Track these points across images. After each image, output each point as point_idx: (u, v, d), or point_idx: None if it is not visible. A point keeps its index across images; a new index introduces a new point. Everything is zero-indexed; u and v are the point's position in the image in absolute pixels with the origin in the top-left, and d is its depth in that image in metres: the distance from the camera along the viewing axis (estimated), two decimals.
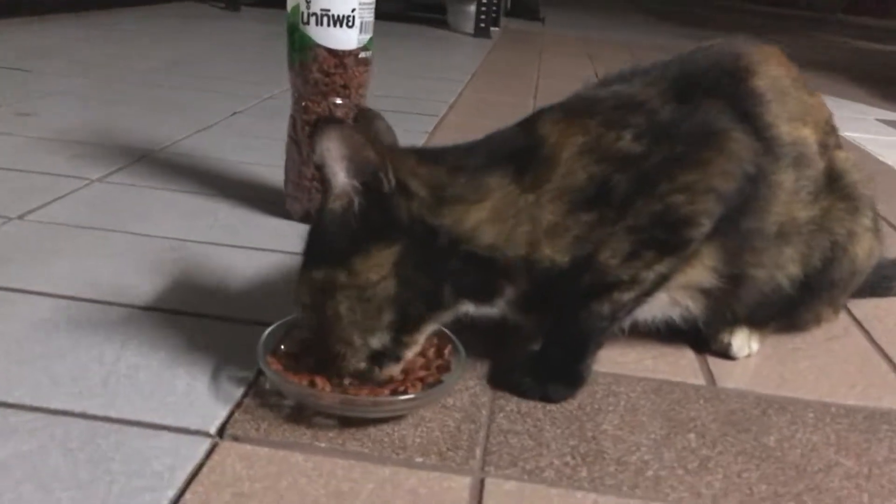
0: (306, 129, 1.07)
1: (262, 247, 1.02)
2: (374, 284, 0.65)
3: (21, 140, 1.37)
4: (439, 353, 0.74)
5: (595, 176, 0.69)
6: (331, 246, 0.65)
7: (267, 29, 3.06)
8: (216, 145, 1.44)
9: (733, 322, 0.83)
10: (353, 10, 1.02)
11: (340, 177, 0.63)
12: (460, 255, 0.67)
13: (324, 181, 0.63)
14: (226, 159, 1.36)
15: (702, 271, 0.75)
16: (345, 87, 1.06)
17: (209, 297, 0.88)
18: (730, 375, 0.82)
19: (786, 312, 0.84)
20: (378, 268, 0.65)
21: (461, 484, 0.61)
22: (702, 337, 0.85)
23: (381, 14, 1.13)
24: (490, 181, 0.69)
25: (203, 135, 1.52)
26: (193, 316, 0.83)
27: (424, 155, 0.69)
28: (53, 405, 0.66)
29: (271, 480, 0.60)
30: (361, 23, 1.04)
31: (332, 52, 1.03)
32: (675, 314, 0.79)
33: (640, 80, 0.77)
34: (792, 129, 0.77)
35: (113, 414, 0.66)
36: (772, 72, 0.78)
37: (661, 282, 0.73)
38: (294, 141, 1.09)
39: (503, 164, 0.70)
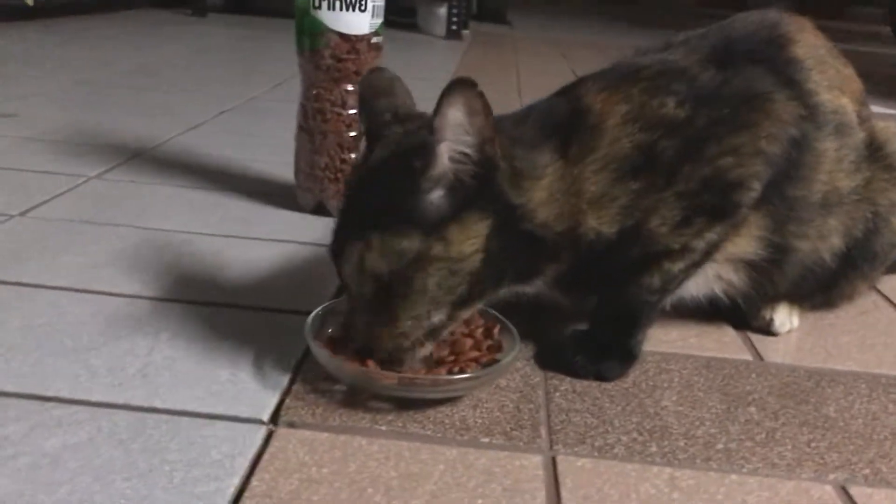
0: (318, 117, 1.04)
1: (279, 238, 0.99)
2: (467, 257, 0.62)
3: (8, 140, 1.32)
4: (488, 334, 0.71)
5: (641, 143, 0.68)
6: (425, 211, 0.61)
7: (236, 33, 3.02)
8: (210, 143, 1.40)
9: (774, 298, 0.82)
10: None
11: (455, 137, 0.59)
12: (521, 232, 0.65)
13: (429, 145, 0.60)
14: (224, 156, 1.32)
15: (748, 242, 0.74)
16: (357, 73, 1.03)
17: (234, 287, 0.85)
18: (775, 351, 0.80)
19: (825, 286, 0.83)
20: (473, 240, 0.62)
21: (533, 462, 0.59)
22: (741, 314, 0.83)
23: None
24: (543, 158, 0.67)
25: (194, 133, 1.48)
26: (222, 306, 0.80)
27: None
28: (95, 398, 0.63)
29: (338, 465, 0.57)
30: (374, 6, 1.01)
31: (345, 38, 1.01)
32: (719, 289, 0.78)
33: (679, 49, 0.76)
34: (833, 98, 0.76)
35: (158, 404, 0.62)
36: (809, 40, 0.78)
37: (711, 251, 0.71)
38: (305, 130, 1.06)
39: (552, 138, 0.68)
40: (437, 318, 0.64)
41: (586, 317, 0.76)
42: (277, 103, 1.78)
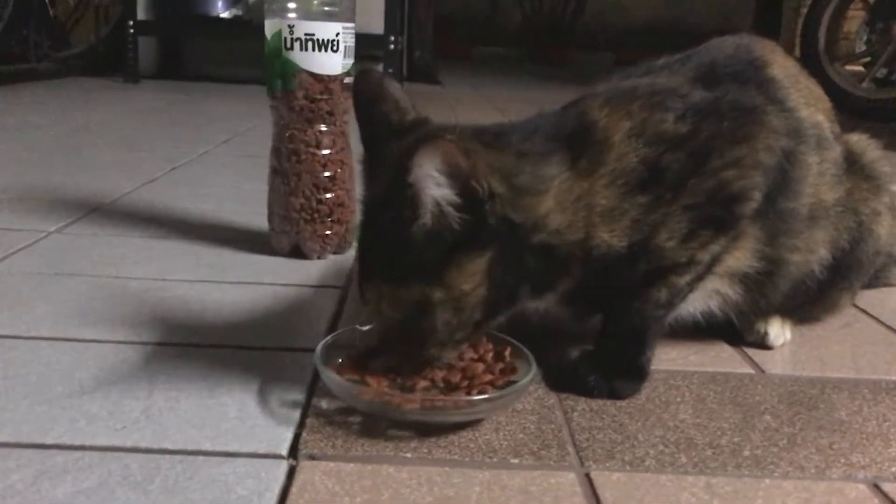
0: (292, 158, 1.02)
1: (259, 281, 0.96)
2: (469, 294, 0.62)
3: None
4: (499, 357, 0.70)
5: (647, 158, 0.68)
6: (420, 262, 0.60)
7: (172, 97, 2.98)
8: (168, 196, 1.37)
9: (767, 312, 0.83)
10: (337, 34, 1.00)
11: (432, 190, 0.58)
12: (532, 246, 0.65)
13: (412, 197, 0.58)
14: (186, 208, 1.29)
15: (745, 255, 0.75)
16: (330, 113, 1.02)
17: (223, 328, 0.82)
18: (773, 363, 0.81)
19: (815, 299, 0.84)
20: (472, 277, 0.62)
21: (568, 479, 0.58)
22: (735, 330, 0.84)
23: None
24: (551, 170, 0.67)
25: (151, 187, 1.44)
26: (216, 347, 0.77)
27: (486, 137, 0.66)
28: (99, 442, 0.59)
29: (370, 493, 0.54)
30: (345, 47, 1.01)
31: (318, 78, 1.00)
32: (715, 305, 0.79)
33: (663, 73, 0.78)
34: (810, 114, 0.78)
35: (169, 445, 0.59)
36: (781, 62, 0.80)
37: (714, 264, 0.72)
38: (279, 172, 1.04)
39: (560, 151, 0.68)
40: (461, 335, 0.64)
41: (590, 338, 0.76)
42: (230, 158, 1.76)
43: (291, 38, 0.98)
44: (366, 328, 0.72)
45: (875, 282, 1.05)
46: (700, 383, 0.75)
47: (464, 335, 0.64)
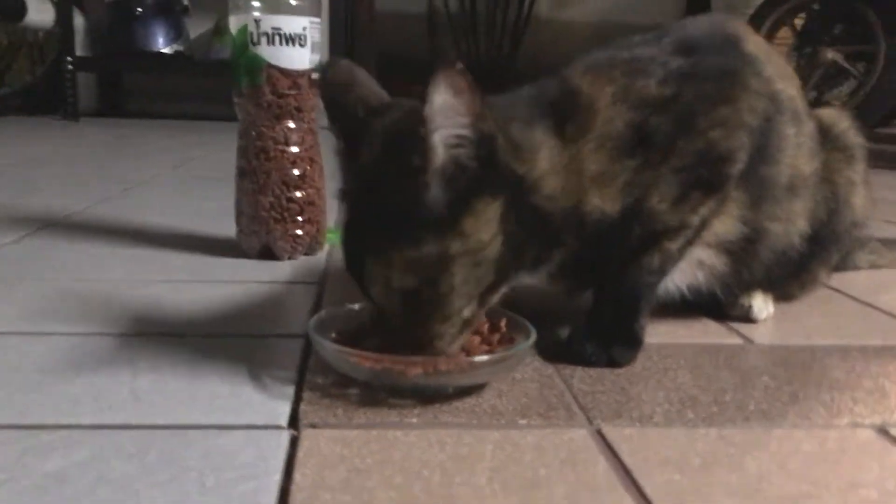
0: (260, 156, 1.00)
1: (231, 280, 0.93)
2: (486, 245, 0.60)
3: None
4: (494, 329, 0.68)
5: (633, 121, 0.68)
6: (435, 214, 0.57)
7: (114, 132, 2.92)
8: (126, 211, 1.33)
9: (750, 286, 0.83)
10: (304, 29, 0.99)
11: (445, 126, 0.56)
12: (533, 208, 0.63)
13: (424, 139, 0.56)
14: (147, 221, 1.25)
15: (730, 221, 0.75)
16: (299, 109, 1.01)
17: (202, 320, 0.79)
18: (761, 335, 0.81)
19: (794, 272, 0.85)
20: (488, 225, 0.59)
21: (580, 435, 0.56)
22: (719, 306, 0.84)
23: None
24: (537, 135, 0.66)
25: (106, 204, 1.40)
26: (196, 336, 0.74)
27: None
28: (86, 421, 0.56)
29: (381, 455, 0.52)
30: (312, 42, 1.00)
31: (286, 73, 0.99)
32: (701, 276, 0.78)
33: (639, 47, 0.78)
34: (785, 87, 0.79)
35: (161, 421, 0.56)
36: (754, 39, 0.82)
37: (702, 228, 0.72)
38: (246, 172, 1.02)
39: (545, 118, 0.67)
40: (468, 311, 0.61)
41: (581, 316, 0.74)
42: (184, 179, 1.73)
43: (258, 33, 0.97)
44: (356, 306, 0.70)
45: (842, 265, 1.07)
46: (693, 353, 0.74)
47: (471, 311, 0.61)
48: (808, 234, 0.82)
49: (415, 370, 0.59)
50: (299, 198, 1.02)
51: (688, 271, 0.77)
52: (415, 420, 0.57)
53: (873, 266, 1.09)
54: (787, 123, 0.77)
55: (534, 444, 0.54)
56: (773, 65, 0.80)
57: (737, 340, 0.79)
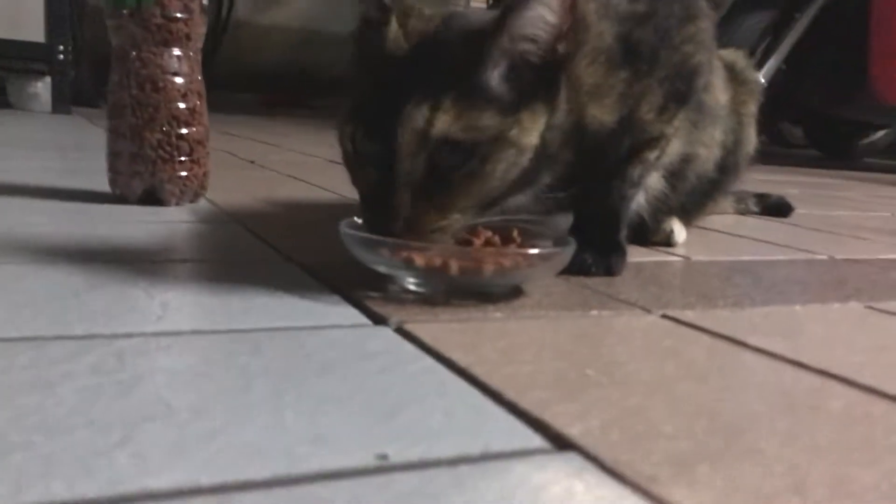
0: (147, 86, 0.89)
1: (127, 221, 0.82)
2: (527, 150, 0.59)
3: None
4: (506, 240, 0.67)
5: (620, 34, 0.71)
6: (497, 90, 0.57)
7: None
8: None
9: (669, 213, 0.89)
10: None
11: (535, 25, 0.57)
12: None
13: (506, 16, 0.56)
14: None
15: (676, 144, 0.80)
16: (188, 37, 0.91)
17: (158, 248, 0.68)
18: (692, 254, 0.87)
19: (703, 199, 0.92)
20: (537, 131, 0.59)
21: (653, 318, 0.57)
22: (641, 232, 0.88)
23: None
24: None
25: None
26: (173, 261, 0.64)
27: None
28: (154, 328, 0.47)
29: (508, 340, 0.49)
30: None
31: None
32: (643, 200, 0.83)
33: None
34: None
35: (243, 326, 0.48)
36: None
37: (671, 141, 0.76)
38: (126, 104, 0.89)
39: None
40: (472, 217, 0.60)
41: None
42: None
43: None
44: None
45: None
46: (654, 268, 0.78)
47: (473, 214, 0.60)
48: (718, 163, 0.89)
49: (489, 268, 0.56)
50: (188, 135, 0.92)
51: (637, 196, 0.81)
52: (499, 315, 0.55)
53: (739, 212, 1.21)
54: (714, 52, 0.84)
55: (624, 326, 0.55)
56: None
57: (678, 258, 0.84)
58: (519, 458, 0.33)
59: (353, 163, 0.60)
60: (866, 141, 3.45)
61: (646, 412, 0.38)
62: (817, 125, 3.38)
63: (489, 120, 0.56)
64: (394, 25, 0.60)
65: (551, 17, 0.57)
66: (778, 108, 2.85)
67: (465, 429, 0.35)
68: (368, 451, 0.32)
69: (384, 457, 0.32)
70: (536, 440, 0.35)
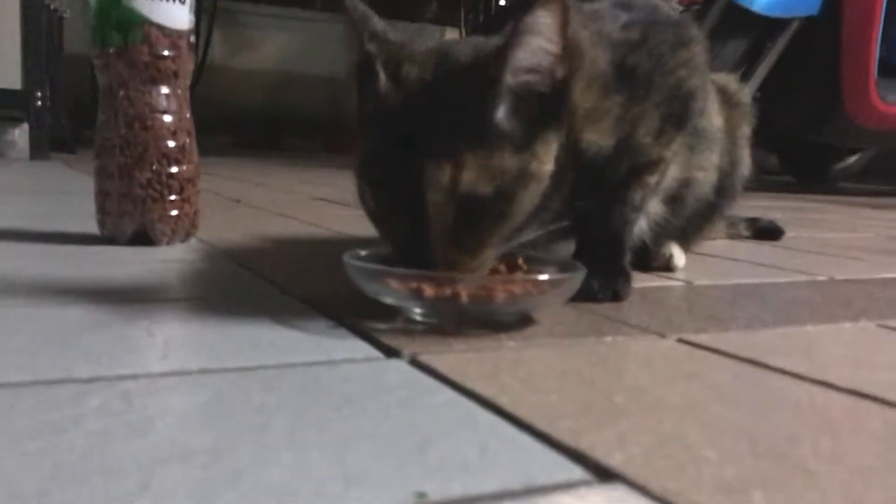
0: (135, 125, 0.87)
1: (128, 262, 0.80)
2: (547, 176, 0.59)
3: None
4: (512, 268, 0.66)
5: (614, 60, 0.71)
6: (506, 130, 0.56)
7: None
8: None
9: (669, 238, 0.89)
10: None
11: (534, 56, 0.56)
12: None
13: (505, 52, 0.56)
14: None
15: (674, 168, 0.79)
16: (176, 74, 0.90)
17: (154, 288, 0.66)
18: (694, 279, 0.86)
19: (701, 223, 0.92)
20: (552, 157, 0.59)
21: (670, 343, 0.56)
22: (642, 257, 0.88)
23: None
24: None
25: None
26: (175, 301, 0.62)
27: None
28: (157, 369, 0.45)
29: (525, 368, 0.48)
30: (191, 1, 0.90)
31: (166, 32, 0.88)
32: (644, 225, 0.82)
33: (586, 4, 0.81)
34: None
35: (251, 364, 0.47)
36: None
37: (669, 165, 0.76)
38: (114, 145, 0.87)
39: None
40: (500, 249, 0.60)
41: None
42: None
43: None
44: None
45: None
46: (658, 292, 0.77)
47: (504, 245, 0.60)
48: (716, 186, 0.89)
49: (502, 294, 0.55)
50: (178, 173, 0.90)
51: (639, 221, 0.80)
52: (512, 343, 0.53)
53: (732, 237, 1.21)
54: (708, 76, 0.84)
55: (637, 352, 0.53)
56: None
57: (680, 283, 0.83)
58: (563, 490, 0.31)
59: (379, 220, 0.60)
60: (840, 165, 3.48)
61: (683, 438, 0.37)
62: (791, 151, 3.41)
63: (508, 161, 0.56)
64: (382, 76, 0.58)
65: (549, 45, 0.57)
66: (752, 134, 2.89)
67: (501, 462, 0.34)
68: (404, 488, 0.31)
69: (423, 495, 0.30)
70: (577, 471, 0.33)
